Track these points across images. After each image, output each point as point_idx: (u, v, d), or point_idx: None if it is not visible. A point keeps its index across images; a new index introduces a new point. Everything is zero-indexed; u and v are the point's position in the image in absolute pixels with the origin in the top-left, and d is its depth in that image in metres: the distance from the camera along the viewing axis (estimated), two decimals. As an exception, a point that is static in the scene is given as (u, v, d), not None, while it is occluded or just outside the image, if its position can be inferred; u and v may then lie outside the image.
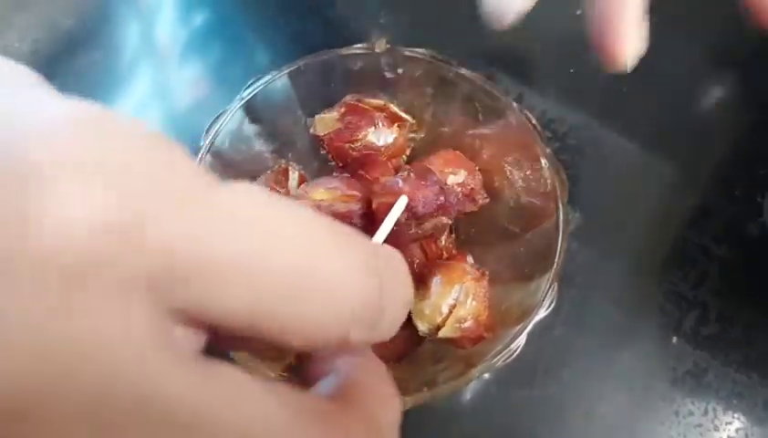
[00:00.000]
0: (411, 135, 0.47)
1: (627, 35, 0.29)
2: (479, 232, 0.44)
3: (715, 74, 0.59)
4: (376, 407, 0.18)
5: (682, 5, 0.62)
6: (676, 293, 0.48)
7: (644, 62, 0.58)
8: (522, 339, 0.35)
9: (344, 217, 0.37)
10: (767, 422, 0.44)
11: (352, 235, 0.17)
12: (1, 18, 0.56)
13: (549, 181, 0.40)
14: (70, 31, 0.57)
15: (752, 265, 0.49)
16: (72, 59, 0.55)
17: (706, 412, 0.44)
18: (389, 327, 0.18)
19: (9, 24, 0.55)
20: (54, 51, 0.55)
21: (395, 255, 0.20)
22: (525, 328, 0.35)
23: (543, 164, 0.40)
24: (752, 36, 0.61)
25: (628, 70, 0.30)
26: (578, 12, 0.60)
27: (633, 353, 0.46)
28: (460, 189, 0.41)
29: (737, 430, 0.44)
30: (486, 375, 0.44)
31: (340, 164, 0.43)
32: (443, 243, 0.42)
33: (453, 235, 0.44)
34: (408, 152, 0.46)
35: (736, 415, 0.44)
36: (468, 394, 0.44)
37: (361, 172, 0.43)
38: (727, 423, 0.44)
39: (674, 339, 0.46)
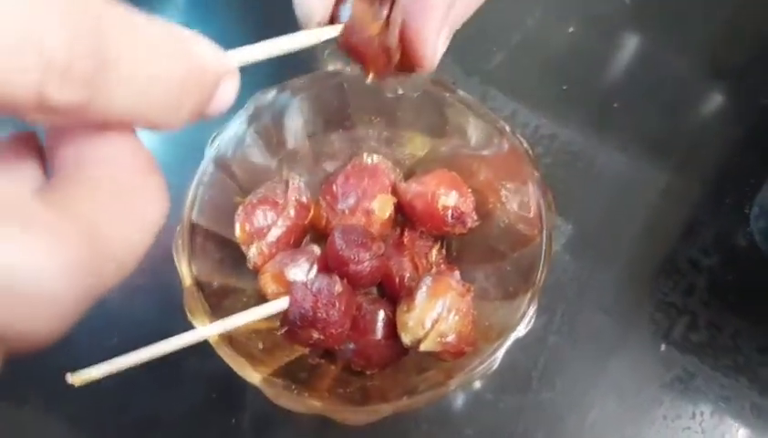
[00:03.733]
0: (412, 150, 0.49)
1: (431, 41, 0.30)
2: (470, 249, 0.46)
3: (703, 88, 0.60)
4: (106, 208, 0.16)
5: (670, 22, 0.64)
6: (666, 302, 0.49)
7: (633, 78, 0.61)
8: (500, 355, 0.36)
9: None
10: (755, 425, 0.45)
11: None
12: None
13: (534, 206, 0.41)
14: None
15: (739, 274, 0.50)
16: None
17: (694, 416, 0.45)
18: (118, 87, 0.15)
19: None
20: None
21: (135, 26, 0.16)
22: (503, 344, 0.36)
23: (530, 188, 0.42)
24: (739, 51, 0.64)
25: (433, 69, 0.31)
26: (570, 30, 0.63)
27: (624, 360, 0.47)
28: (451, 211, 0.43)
29: (724, 433, 0.45)
30: (478, 384, 0.46)
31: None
32: (434, 258, 0.44)
33: (444, 251, 0.46)
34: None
35: (723, 419, 0.45)
36: (464, 400, 0.46)
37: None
38: (714, 427, 0.45)
39: (663, 347, 0.48)
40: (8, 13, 0.13)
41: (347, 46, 0.31)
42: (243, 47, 0.25)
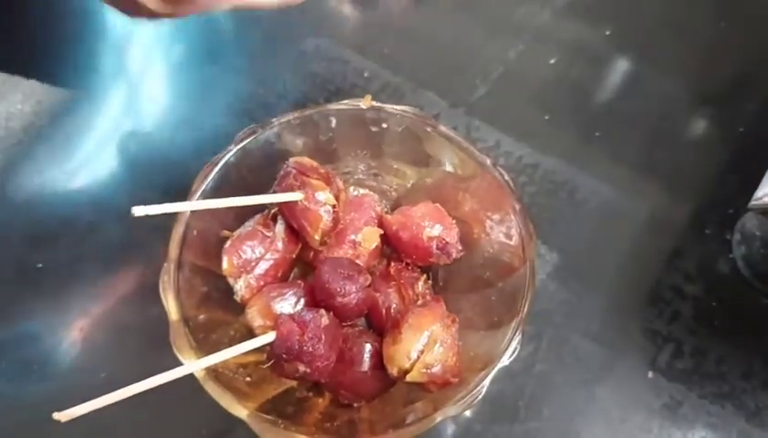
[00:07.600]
0: (398, 182, 0.50)
1: None
2: (456, 279, 0.46)
3: (683, 117, 0.62)
4: None
5: (650, 53, 0.66)
6: (651, 329, 0.50)
7: (614, 107, 0.62)
8: (485, 385, 0.36)
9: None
10: (742, 453, 0.46)
11: None
12: (7, 82, 0.59)
13: (516, 236, 0.42)
14: (69, 92, 0.61)
15: (723, 300, 0.51)
16: (70, 118, 0.58)
17: (682, 444, 0.46)
18: None
19: (16, 87, 0.59)
20: (54, 110, 0.58)
21: None
22: (488, 374, 0.37)
23: (513, 220, 0.42)
24: (718, 80, 0.65)
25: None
26: (551, 61, 0.64)
27: (611, 388, 0.47)
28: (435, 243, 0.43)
29: (712, 461, 0.45)
30: (467, 414, 0.46)
31: None
32: (420, 288, 0.44)
33: (431, 282, 0.46)
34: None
35: (711, 446, 0.46)
36: (452, 431, 0.46)
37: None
38: (702, 454, 0.45)
39: (650, 374, 0.48)
40: None
41: (302, 214, 0.42)
42: None
